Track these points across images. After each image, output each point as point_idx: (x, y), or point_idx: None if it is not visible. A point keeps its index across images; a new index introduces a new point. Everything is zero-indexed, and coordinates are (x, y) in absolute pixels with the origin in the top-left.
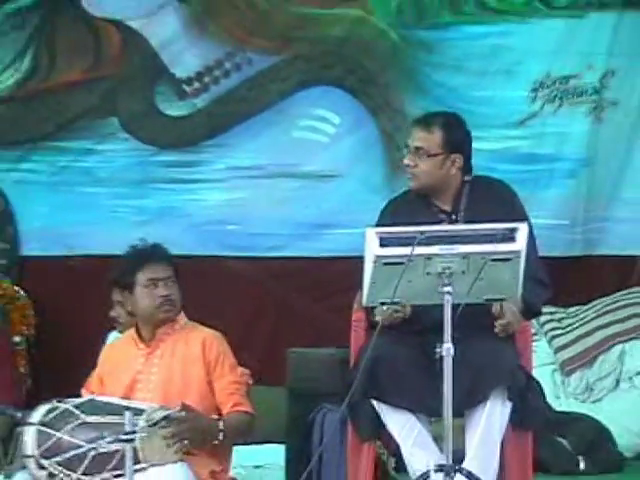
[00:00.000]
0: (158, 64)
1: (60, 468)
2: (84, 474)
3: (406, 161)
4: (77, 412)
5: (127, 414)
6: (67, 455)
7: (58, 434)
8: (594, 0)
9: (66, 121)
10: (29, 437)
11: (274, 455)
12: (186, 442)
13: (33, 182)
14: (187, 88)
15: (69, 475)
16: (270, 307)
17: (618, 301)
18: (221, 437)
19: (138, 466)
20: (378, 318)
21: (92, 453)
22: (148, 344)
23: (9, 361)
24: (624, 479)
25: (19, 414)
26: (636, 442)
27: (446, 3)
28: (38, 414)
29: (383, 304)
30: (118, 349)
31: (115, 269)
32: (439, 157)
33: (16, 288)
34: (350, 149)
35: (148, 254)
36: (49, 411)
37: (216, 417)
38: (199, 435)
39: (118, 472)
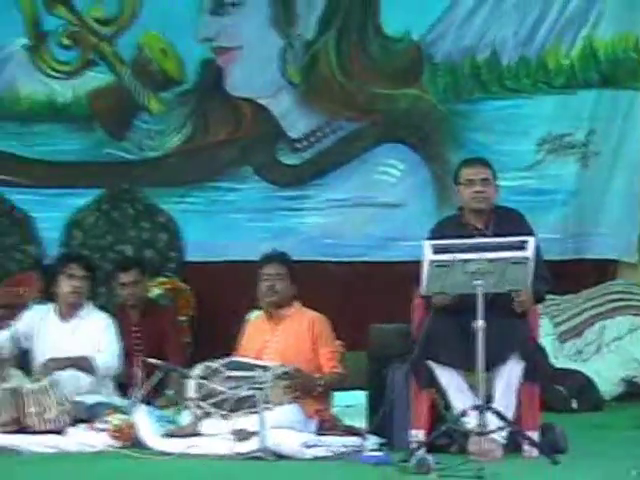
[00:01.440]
0: (278, 128)
1: (212, 408)
2: (230, 411)
3: (479, 188)
4: (223, 369)
5: (259, 370)
6: (217, 399)
7: (211, 384)
8: (581, 81)
9: (216, 168)
10: (192, 387)
11: (360, 398)
12: (297, 391)
13: (194, 210)
14: (298, 145)
15: (218, 412)
16: (355, 295)
17: (599, 291)
18: (320, 389)
19: (267, 406)
20: (433, 303)
21: (234, 397)
22: (273, 322)
23: (178, 334)
24: (604, 415)
25: (185, 371)
26: (613, 389)
27: (477, 85)
28: (198, 370)
29: (435, 293)
30: (253, 324)
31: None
32: (495, 186)
33: (182, 283)
34: (411, 187)
35: (266, 258)
36: (205, 368)
37: (318, 375)
38: (305, 387)
39: (252, 410)
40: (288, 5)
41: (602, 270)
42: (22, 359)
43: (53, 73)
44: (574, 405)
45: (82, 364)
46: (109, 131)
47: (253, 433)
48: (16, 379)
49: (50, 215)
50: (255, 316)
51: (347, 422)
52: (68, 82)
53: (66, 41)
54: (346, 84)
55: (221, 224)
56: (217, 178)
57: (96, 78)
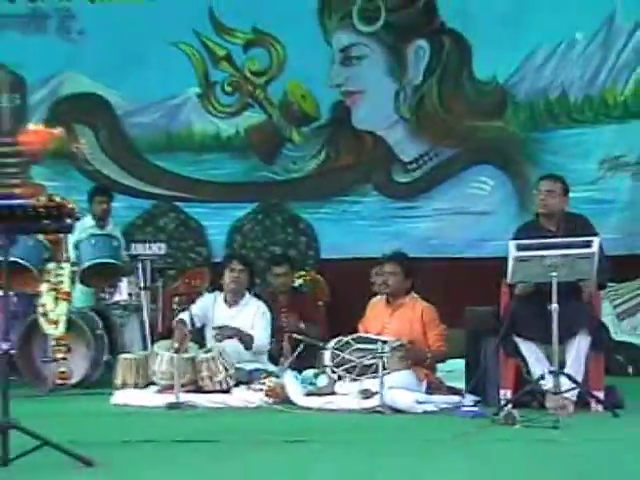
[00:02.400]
0: (393, 154)
1: (344, 373)
2: (357, 376)
3: (542, 197)
4: (352, 342)
5: (379, 343)
6: (347, 365)
7: (343, 354)
8: (633, 112)
9: (344, 186)
10: (327, 356)
11: (459, 365)
12: (410, 361)
13: (327, 219)
14: (409, 167)
15: (348, 376)
16: (455, 284)
17: None
18: (427, 362)
19: (386, 371)
20: (516, 290)
21: (361, 364)
22: (391, 308)
23: (318, 315)
24: None
25: (321, 344)
26: None
27: (550, 117)
28: (332, 343)
29: (518, 282)
30: (374, 308)
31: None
32: (562, 196)
33: (318, 275)
34: (498, 198)
35: (385, 257)
36: (337, 342)
37: (427, 350)
38: (416, 358)
39: (374, 374)
40: (401, 59)
41: None
42: (197, 335)
43: (219, 114)
44: (630, 370)
45: (244, 338)
46: (262, 158)
47: (375, 393)
48: (193, 350)
49: (217, 224)
50: (376, 300)
51: (449, 384)
52: (230, 120)
53: (228, 89)
54: (446, 118)
55: (348, 229)
56: (345, 194)
57: (251, 117)
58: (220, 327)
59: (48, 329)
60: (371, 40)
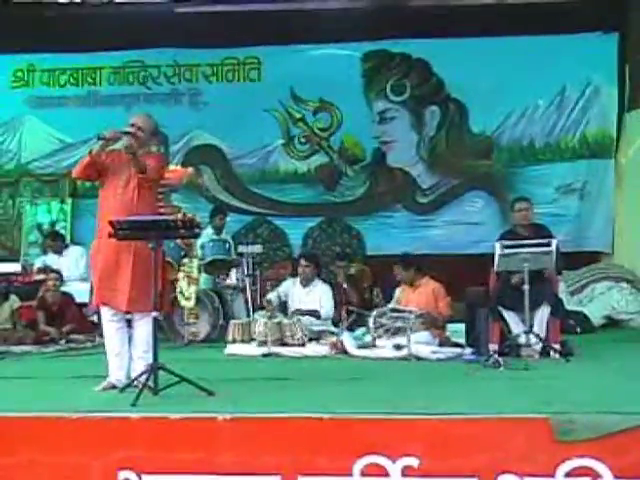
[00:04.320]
0: (415, 183)
1: (382, 333)
2: (392, 334)
3: (523, 213)
4: (388, 311)
5: (407, 312)
6: (384, 327)
7: (381, 320)
8: (580, 154)
9: (381, 206)
10: (371, 321)
11: (461, 327)
12: (427, 324)
13: (370, 228)
14: (426, 192)
15: (385, 335)
16: (459, 272)
17: (591, 268)
18: (440, 324)
19: (411, 332)
20: (501, 276)
21: (394, 326)
22: (414, 287)
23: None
24: (595, 336)
25: (367, 312)
26: (598, 321)
27: (522, 157)
28: (375, 312)
29: (502, 270)
30: (403, 290)
31: None
32: (530, 212)
33: (364, 266)
34: (487, 214)
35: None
36: (378, 311)
37: (438, 315)
38: (432, 322)
39: (404, 334)
40: (420, 118)
41: (593, 256)
42: (282, 308)
43: (296, 157)
44: (578, 330)
45: (313, 314)
46: (325, 187)
47: (404, 346)
48: (279, 317)
49: (295, 232)
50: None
51: (454, 340)
52: (304, 162)
53: (302, 140)
54: (451, 159)
55: (385, 235)
56: (382, 210)
57: (318, 159)
58: (298, 309)
59: (183, 303)
60: (400, 106)
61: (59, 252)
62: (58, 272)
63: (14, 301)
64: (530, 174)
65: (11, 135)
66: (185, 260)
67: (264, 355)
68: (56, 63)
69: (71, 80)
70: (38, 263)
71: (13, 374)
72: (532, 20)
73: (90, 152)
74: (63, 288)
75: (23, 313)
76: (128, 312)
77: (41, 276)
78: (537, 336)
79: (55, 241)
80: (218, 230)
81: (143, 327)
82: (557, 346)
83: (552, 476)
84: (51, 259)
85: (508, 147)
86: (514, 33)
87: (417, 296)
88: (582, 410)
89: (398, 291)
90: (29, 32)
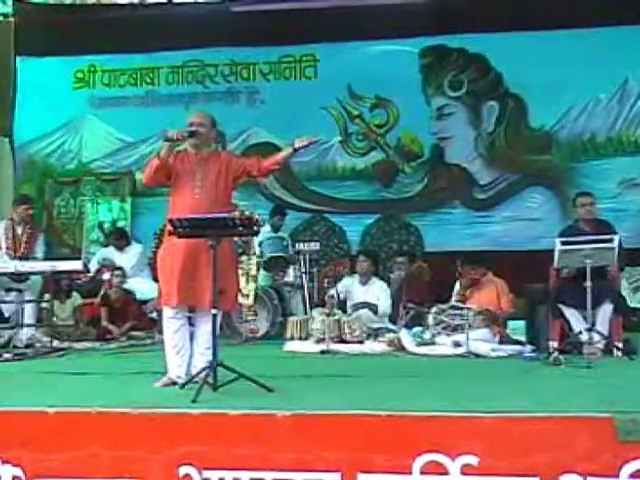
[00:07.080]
0: (473, 179)
1: (441, 330)
2: (451, 331)
3: (587, 208)
4: (447, 308)
5: (465, 310)
6: (444, 325)
7: (440, 317)
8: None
9: (440, 202)
10: (430, 318)
11: (521, 324)
12: (487, 321)
13: (429, 224)
14: (485, 188)
15: (444, 332)
16: (519, 269)
17: None
18: (500, 321)
19: (470, 329)
20: (562, 273)
21: (453, 324)
22: (474, 285)
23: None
24: None
25: (425, 310)
26: None
27: (582, 152)
28: (434, 309)
29: (563, 267)
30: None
31: None
32: (593, 207)
33: (424, 263)
34: (546, 210)
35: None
36: (438, 309)
37: (499, 313)
38: (492, 319)
39: (463, 331)
40: (478, 114)
41: None
42: (340, 304)
43: (353, 154)
44: None
45: (372, 308)
46: (383, 183)
47: (463, 343)
48: (338, 314)
49: (353, 229)
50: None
51: (514, 337)
52: (361, 158)
53: (360, 137)
54: (510, 154)
55: (443, 231)
56: (440, 207)
57: (376, 156)
58: (356, 303)
59: (242, 300)
60: (457, 102)
61: (121, 249)
62: (121, 269)
63: (76, 298)
64: (591, 169)
65: (72, 135)
66: (243, 257)
67: (322, 352)
68: (116, 64)
69: (130, 80)
70: (98, 257)
71: (75, 370)
72: (592, 12)
73: (158, 155)
74: (124, 285)
75: (85, 310)
76: (192, 310)
77: (106, 275)
78: (600, 333)
79: (120, 239)
80: (276, 228)
81: (206, 324)
82: (620, 344)
83: (616, 476)
84: (112, 255)
85: (568, 142)
86: (574, 26)
87: (479, 293)
88: None
89: (459, 287)
90: (90, 34)
